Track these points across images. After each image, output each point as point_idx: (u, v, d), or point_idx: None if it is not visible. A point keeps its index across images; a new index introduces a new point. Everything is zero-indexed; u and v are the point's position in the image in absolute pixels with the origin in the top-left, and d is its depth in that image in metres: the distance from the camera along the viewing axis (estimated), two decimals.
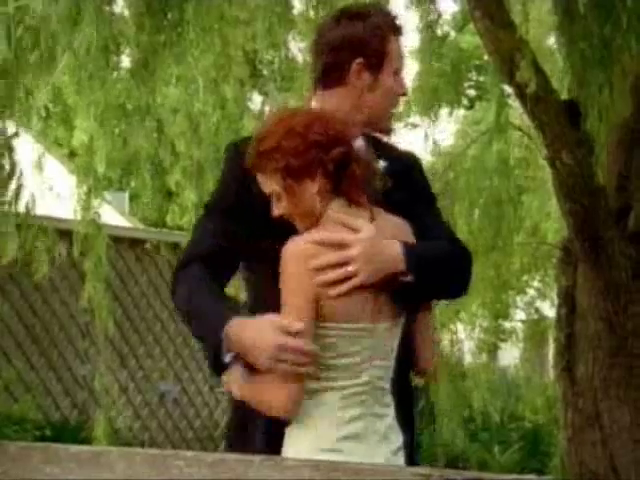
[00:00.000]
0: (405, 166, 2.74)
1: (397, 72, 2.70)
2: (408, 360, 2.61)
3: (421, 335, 2.60)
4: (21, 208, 7.02)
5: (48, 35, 6.76)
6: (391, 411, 2.48)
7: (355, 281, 2.39)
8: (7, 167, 6.76)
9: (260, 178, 2.52)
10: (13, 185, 6.85)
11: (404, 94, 2.72)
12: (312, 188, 2.45)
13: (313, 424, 2.42)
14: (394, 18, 2.75)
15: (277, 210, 2.49)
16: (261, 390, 2.41)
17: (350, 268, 2.39)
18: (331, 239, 2.41)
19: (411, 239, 2.57)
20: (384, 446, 2.43)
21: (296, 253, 2.40)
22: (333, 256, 2.38)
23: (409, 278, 2.47)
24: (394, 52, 2.69)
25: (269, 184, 2.49)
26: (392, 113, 2.74)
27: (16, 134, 6.83)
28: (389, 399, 2.49)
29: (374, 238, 2.44)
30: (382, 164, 2.63)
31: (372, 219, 2.48)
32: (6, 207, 6.89)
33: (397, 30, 2.71)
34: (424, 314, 2.62)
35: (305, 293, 2.36)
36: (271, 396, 2.40)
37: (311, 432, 2.42)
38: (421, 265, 2.50)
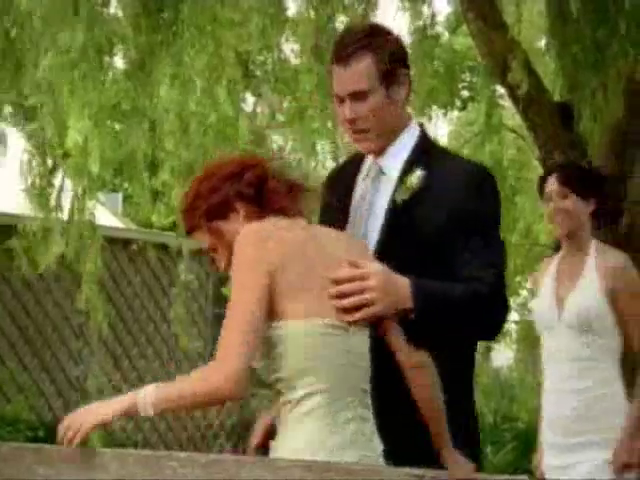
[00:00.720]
0: (448, 181, 2.62)
1: (338, 99, 2.67)
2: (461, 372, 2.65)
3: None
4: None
5: (35, 33, 6.77)
6: (371, 414, 2.46)
7: (371, 309, 2.43)
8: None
9: (198, 236, 2.54)
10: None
11: (348, 120, 2.65)
12: (238, 218, 2.49)
13: (304, 430, 2.35)
14: (337, 44, 2.70)
15: (220, 265, 2.51)
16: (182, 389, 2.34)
17: (367, 296, 2.42)
18: (353, 273, 2.44)
19: (355, 252, 2.48)
20: (369, 451, 2.40)
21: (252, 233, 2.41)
22: (353, 285, 2.41)
23: (412, 316, 2.50)
24: (335, 80, 2.67)
25: (204, 238, 2.53)
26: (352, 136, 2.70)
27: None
28: (369, 401, 2.48)
29: (389, 272, 2.48)
30: (419, 173, 2.62)
31: (306, 227, 2.49)
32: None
33: (338, 58, 2.66)
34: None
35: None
36: (206, 380, 2.31)
37: (303, 438, 2.34)
38: (428, 305, 2.51)
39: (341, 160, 8.75)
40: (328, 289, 2.41)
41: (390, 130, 2.68)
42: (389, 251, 2.61)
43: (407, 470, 1.97)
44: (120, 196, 16.70)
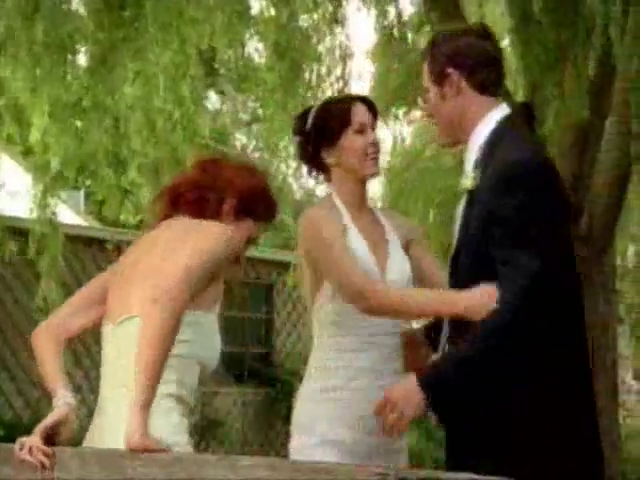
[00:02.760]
0: (487, 179, 2.65)
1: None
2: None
3: None
4: None
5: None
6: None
7: (403, 425, 2.65)
8: None
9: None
10: None
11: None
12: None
13: None
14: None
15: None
16: None
17: (394, 417, 2.64)
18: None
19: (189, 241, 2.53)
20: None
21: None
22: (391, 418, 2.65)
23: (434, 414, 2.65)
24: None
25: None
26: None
27: None
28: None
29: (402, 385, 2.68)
30: (471, 174, 2.68)
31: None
32: None
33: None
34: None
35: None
36: None
37: None
38: (443, 390, 2.61)
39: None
40: None
41: (451, 125, 2.79)
42: (458, 256, 2.70)
43: (371, 468, 1.98)
44: (82, 194, 16.58)
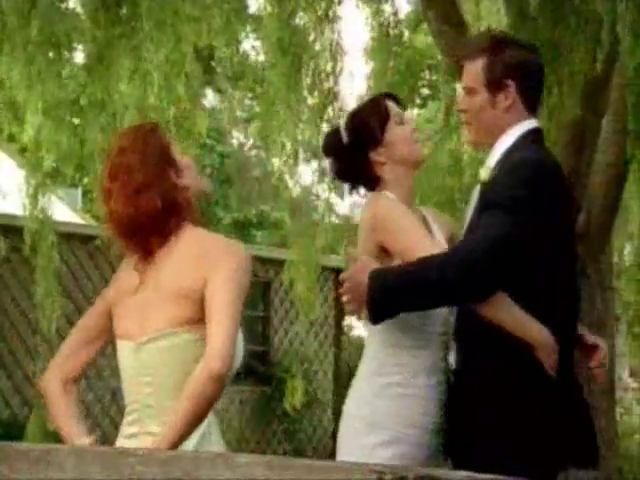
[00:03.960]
0: (497, 173, 2.83)
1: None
2: None
3: None
4: None
5: None
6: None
7: (349, 309, 2.85)
8: None
9: None
10: None
11: (459, 109, 3.05)
12: None
13: None
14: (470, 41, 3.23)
15: None
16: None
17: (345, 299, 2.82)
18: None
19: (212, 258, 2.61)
20: None
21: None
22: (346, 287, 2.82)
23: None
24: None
25: None
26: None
27: None
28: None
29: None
30: (487, 165, 2.87)
31: None
32: None
33: (464, 54, 3.07)
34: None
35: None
36: None
37: None
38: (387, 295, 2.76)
39: (301, 157, 8.75)
40: None
41: (489, 130, 2.91)
42: None
43: (367, 466, 1.98)
44: (80, 191, 16.56)
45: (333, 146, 3.06)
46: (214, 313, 2.52)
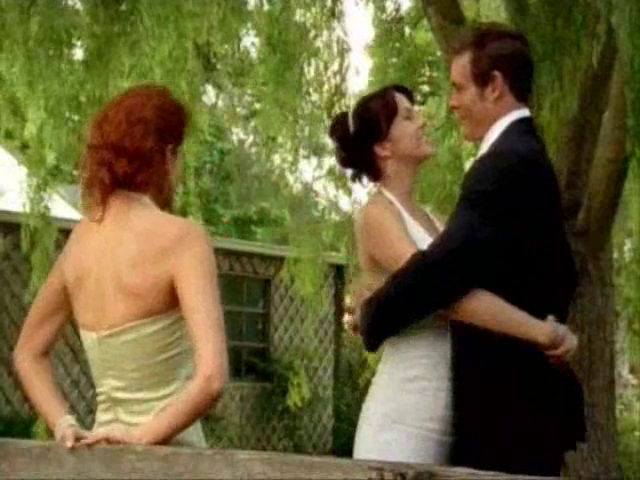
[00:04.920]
0: (475, 162, 2.86)
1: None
2: None
3: None
4: None
5: None
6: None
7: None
8: None
9: None
10: None
11: (451, 106, 3.04)
12: None
13: None
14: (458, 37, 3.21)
15: None
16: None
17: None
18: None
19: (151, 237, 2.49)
20: None
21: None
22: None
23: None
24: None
25: None
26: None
27: None
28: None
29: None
30: (471, 160, 2.83)
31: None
32: None
33: (453, 49, 3.05)
34: None
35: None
36: None
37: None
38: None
39: (301, 153, 8.74)
40: None
41: (481, 123, 2.90)
42: None
43: (367, 463, 1.97)
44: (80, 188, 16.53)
45: (340, 132, 3.04)
46: (197, 326, 2.40)
